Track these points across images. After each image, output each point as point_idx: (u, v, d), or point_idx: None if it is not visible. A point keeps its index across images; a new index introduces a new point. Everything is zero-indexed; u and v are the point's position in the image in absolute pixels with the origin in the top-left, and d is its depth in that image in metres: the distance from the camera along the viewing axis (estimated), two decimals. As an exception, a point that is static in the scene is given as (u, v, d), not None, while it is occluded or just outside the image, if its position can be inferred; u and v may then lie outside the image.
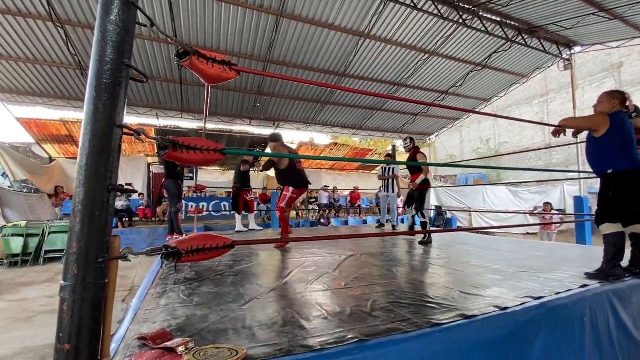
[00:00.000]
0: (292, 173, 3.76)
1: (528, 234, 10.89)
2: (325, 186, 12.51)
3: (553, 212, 7.99)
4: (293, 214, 11.23)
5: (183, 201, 5.60)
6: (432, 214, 11.75)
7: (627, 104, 2.39)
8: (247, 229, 5.62)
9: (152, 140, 1.17)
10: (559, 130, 2.56)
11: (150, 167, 10.88)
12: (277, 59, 8.92)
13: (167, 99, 9.99)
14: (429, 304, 1.71)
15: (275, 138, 3.80)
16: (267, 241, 1.56)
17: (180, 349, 1.21)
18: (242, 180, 5.47)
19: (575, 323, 1.79)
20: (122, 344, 1.33)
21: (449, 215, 11.56)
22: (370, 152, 15.30)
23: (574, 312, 1.80)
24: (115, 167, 1.02)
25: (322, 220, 10.48)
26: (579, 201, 7.39)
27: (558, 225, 8.23)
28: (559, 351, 1.67)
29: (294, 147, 13.24)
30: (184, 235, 4.38)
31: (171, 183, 4.60)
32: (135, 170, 10.44)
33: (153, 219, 9.19)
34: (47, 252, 6.91)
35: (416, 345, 1.33)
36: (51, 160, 10.34)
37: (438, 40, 9.28)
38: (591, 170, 2.57)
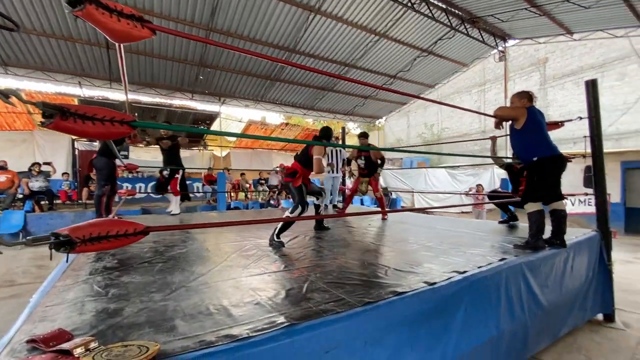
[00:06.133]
0: None
1: (462, 212, 11.94)
2: (275, 168, 12.28)
3: (484, 192, 8.81)
4: (242, 195, 10.90)
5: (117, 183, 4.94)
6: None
7: (533, 100, 2.72)
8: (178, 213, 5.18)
9: (33, 106, 0.94)
10: (498, 122, 2.83)
11: (75, 143, 9.59)
12: (221, 28, 8.26)
13: (92, 65, 8.75)
14: (365, 283, 1.73)
15: None
16: (185, 226, 1.41)
17: (79, 350, 1.04)
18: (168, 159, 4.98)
19: (492, 293, 1.95)
20: (7, 349, 1.12)
21: (394, 195, 12.15)
22: (322, 133, 15.28)
23: (492, 283, 1.96)
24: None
25: (272, 202, 10.34)
26: (505, 183, 8.23)
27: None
28: (477, 319, 1.81)
29: (242, 125, 12.67)
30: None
31: (103, 161, 3.99)
32: (55, 146, 9.13)
33: (79, 201, 8.22)
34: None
35: (346, 325, 1.32)
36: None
37: (388, 22, 9.36)
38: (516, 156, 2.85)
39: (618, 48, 10.18)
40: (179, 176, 5.02)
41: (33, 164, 7.59)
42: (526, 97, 2.72)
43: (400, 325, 1.47)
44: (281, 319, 1.27)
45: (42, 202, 7.49)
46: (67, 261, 1.04)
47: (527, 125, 2.60)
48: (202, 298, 1.53)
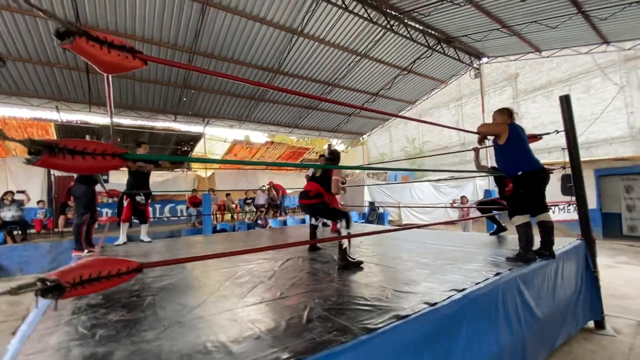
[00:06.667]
0: None
1: (449, 224, 12.09)
2: (262, 186, 12.17)
3: (469, 204, 8.98)
4: (228, 216, 10.68)
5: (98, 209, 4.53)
6: (365, 209, 12.30)
7: (514, 116, 2.86)
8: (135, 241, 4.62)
9: (17, 143, 0.89)
10: (481, 139, 2.94)
11: (52, 169, 9.23)
12: (205, 50, 8.31)
13: (70, 88, 8.56)
14: (365, 307, 1.69)
15: None
16: (183, 260, 1.35)
17: (67, 407, 0.96)
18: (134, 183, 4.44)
19: (491, 309, 1.95)
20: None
21: (381, 210, 12.22)
22: (307, 150, 15.37)
23: (490, 298, 1.96)
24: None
25: (260, 222, 10.17)
26: (487, 194, 8.43)
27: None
28: (478, 336, 1.80)
29: (227, 145, 12.58)
30: (85, 252, 3.64)
31: (81, 188, 3.80)
32: (30, 173, 8.74)
33: (55, 230, 7.82)
34: None
35: (352, 356, 1.28)
36: None
37: (368, 44, 9.69)
38: (496, 167, 2.95)
39: (582, 63, 10.89)
40: (150, 201, 4.77)
41: (5, 193, 7.23)
42: (506, 113, 2.84)
43: (406, 351, 1.44)
44: (285, 355, 1.22)
45: (15, 233, 7.08)
46: (55, 309, 0.97)
47: (509, 140, 2.70)
48: (198, 334, 1.45)
